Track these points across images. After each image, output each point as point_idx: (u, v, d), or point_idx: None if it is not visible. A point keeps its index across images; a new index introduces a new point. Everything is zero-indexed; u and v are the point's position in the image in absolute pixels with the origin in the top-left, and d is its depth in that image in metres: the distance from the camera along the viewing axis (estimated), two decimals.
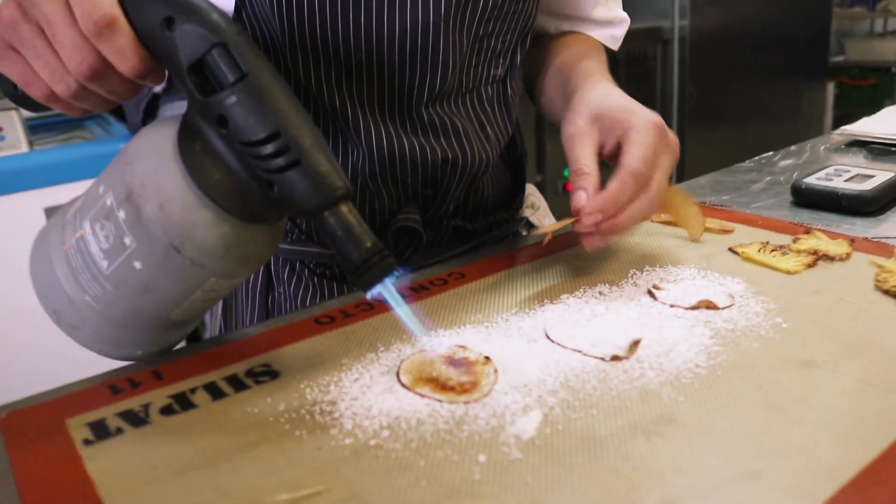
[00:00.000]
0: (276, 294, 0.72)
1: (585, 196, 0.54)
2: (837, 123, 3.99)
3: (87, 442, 0.41)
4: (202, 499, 0.36)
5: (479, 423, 0.39)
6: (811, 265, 0.58)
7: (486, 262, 0.62)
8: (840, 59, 4.75)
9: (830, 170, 0.77)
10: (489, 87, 0.71)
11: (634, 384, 0.42)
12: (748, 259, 0.60)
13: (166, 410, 0.44)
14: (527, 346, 0.47)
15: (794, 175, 0.83)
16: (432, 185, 0.69)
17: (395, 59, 0.62)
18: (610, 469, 0.36)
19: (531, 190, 0.85)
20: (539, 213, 0.84)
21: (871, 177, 0.74)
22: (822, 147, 0.98)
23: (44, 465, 0.39)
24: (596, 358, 0.45)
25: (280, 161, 0.39)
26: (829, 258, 0.59)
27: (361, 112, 0.63)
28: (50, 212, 1.54)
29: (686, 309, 0.51)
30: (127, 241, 0.42)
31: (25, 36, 0.41)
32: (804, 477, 0.34)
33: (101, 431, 0.42)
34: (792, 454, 0.36)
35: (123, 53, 0.40)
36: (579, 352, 0.46)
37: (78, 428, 0.43)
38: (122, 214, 0.42)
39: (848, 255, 0.60)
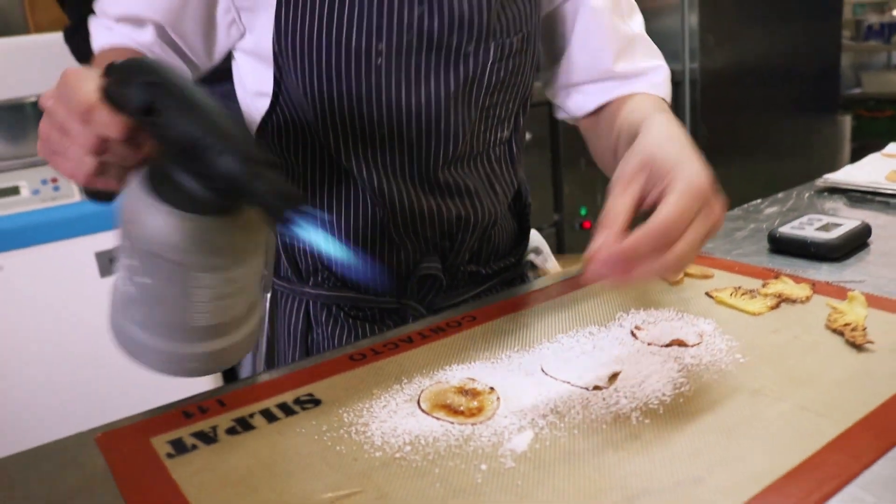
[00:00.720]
0: (315, 334, 0.82)
1: (602, 239, 0.52)
2: (856, 155, 4.04)
3: (169, 455, 0.52)
4: (265, 498, 0.46)
5: (483, 440, 0.49)
6: (775, 307, 0.68)
7: (494, 306, 0.72)
8: (857, 91, 4.83)
9: (804, 219, 0.86)
10: (497, 149, 0.82)
11: (610, 409, 0.52)
12: (721, 302, 0.69)
13: (231, 431, 0.54)
14: (525, 379, 0.57)
15: (776, 222, 0.92)
16: (449, 238, 0.79)
17: (413, 131, 0.73)
18: (584, 475, 0.45)
19: (535, 236, 0.95)
20: (542, 257, 0.94)
21: (840, 225, 0.83)
22: (807, 194, 1.07)
23: (138, 474, 0.50)
24: (581, 388, 0.55)
25: (199, 163, 0.47)
26: (791, 301, 0.69)
27: (385, 178, 0.74)
28: (100, 256, 1.67)
29: (661, 346, 0.61)
30: (134, 262, 0.52)
31: (55, 140, 0.52)
32: (736, 481, 0.44)
33: (179, 447, 0.53)
34: (729, 464, 0.45)
35: (107, 125, 0.48)
36: (568, 383, 0.56)
37: (161, 445, 0.53)
38: (125, 243, 0.52)
39: (808, 298, 0.69)
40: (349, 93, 0.71)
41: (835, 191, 1.07)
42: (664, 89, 0.83)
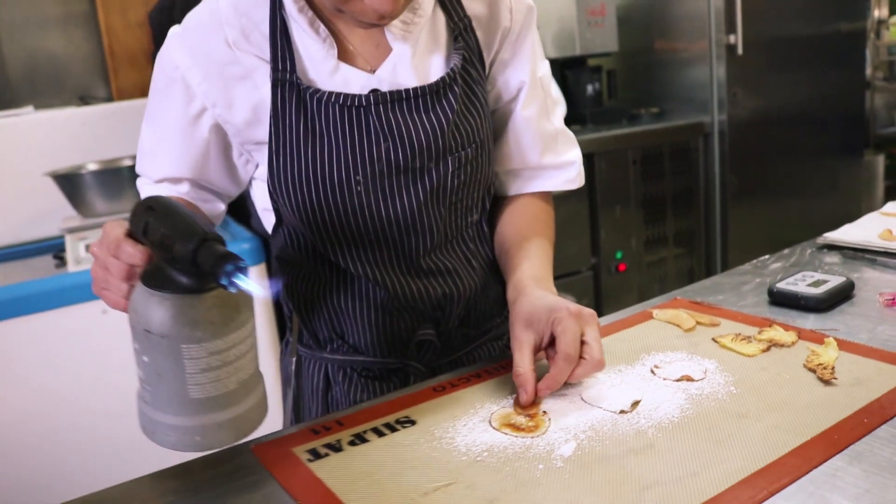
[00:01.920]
0: (334, 391, 1.00)
1: (526, 396, 0.76)
2: (890, 193, 4.14)
3: (309, 460, 0.71)
4: (384, 487, 0.65)
5: (539, 448, 0.68)
6: (766, 350, 0.85)
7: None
8: (892, 130, 4.94)
9: (799, 275, 1.04)
10: (469, 230, 0.98)
11: (632, 427, 0.71)
12: (723, 346, 0.87)
13: (351, 443, 0.74)
14: (570, 405, 0.76)
15: (778, 276, 1.10)
16: (440, 309, 0.96)
17: (395, 233, 0.90)
18: (613, 471, 0.64)
19: None
20: None
21: (827, 282, 1.00)
22: (809, 251, 1.24)
23: (291, 472, 0.70)
24: (611, 412, 0.74)
25: (169, 251, 0.60)
26: (780, 345, 0.87)
27: (380, 271, 0.91)
28: None
29: (673, 381, 0.79)
30: (136, 345, 0.64)
31: (100, 277, 0.67)
32: (720, 476, 0.62)
33: (315, 454, 0.72)
34: (717, 464, 0.64)
35: (131, 254, 0.63)
36: (601, 408, 0.75)
37: (302, 453, 0.73)
38: (132, 333, 0.64)
39: (794, 343, 0.87)
40: (336, 214, 0.88)
41: (833, 247, 1.24)
42: (577, 181, 1.03)
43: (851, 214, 1.30)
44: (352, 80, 0.86)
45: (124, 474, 0.75)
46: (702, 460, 0.65)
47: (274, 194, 0.88)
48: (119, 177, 2.05)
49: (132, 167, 2.07)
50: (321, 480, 0.68)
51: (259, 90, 0.86)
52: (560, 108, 1.03)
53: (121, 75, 2.99)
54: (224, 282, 0.58)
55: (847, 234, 1.25)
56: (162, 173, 0.94)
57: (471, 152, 0.92)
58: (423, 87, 0.87)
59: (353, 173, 0.86)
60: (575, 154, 1.03)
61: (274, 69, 0.85)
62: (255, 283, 0.59)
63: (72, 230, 1.96)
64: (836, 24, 3.22)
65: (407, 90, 0.86)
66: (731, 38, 2.81)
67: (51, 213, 2.30)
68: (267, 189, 0.89)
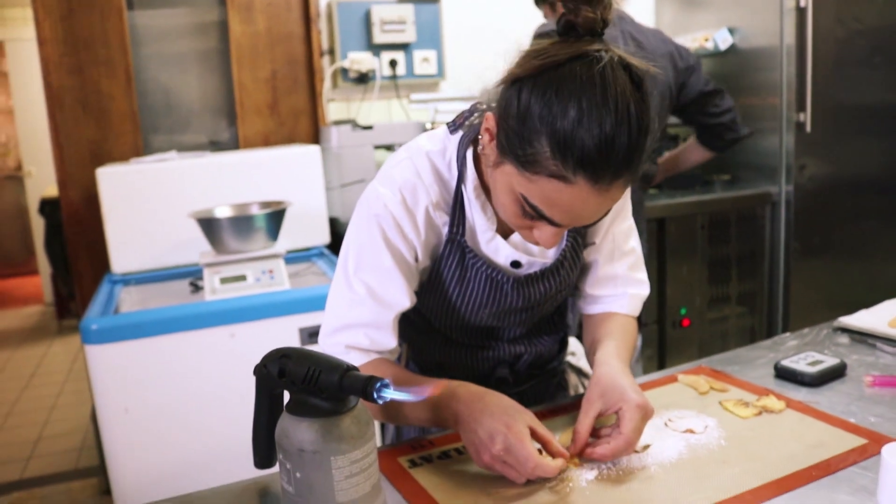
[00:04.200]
0: None
1: (574, 450, 0.98)
2: None
3: (409, 467, 1.02)
4: (472, 489, 0.95)
5: (572, 472, 0.97)
6: (758, 414, 1.11)
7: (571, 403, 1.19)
8: None
9: (802, 355, 1.28)
10: (551, 317, 1.30)
11: (641, 463, 0.98)
12: (725, 409, 1.13)
13: (440, 457, 1.04)
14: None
15: (791, 353, 1.34)
16: (516, 358, 1.27)
17: (497, 329, 1.22)
18: (622, 493, 0.92)
19: (573, 341, 1.42)
20: (576, 357, 1.42)
21: (823, 362, 1.25)
22: (825, 332, 1.47)
23: (398, 476, 1.00)
24: None
25: (313, 385, 0.76)
26: (770, 411, 1.12)
27: (478, 341, 1.24)
28: (302, 330, 2.24)
29: (680, 432, 1.06)
30: (288, 465, 0.79)
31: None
32: (697, 502, 0.89)
33: (413, 463, 1.03)
34: (696, 493, 0.90)
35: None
36: None
37: (404, 461, 1.03)
38: (281, 457, 0.79)
39: (781, 410, 1.12)
40: (459, 325, 1.20)
41: (846, 330, 1.47)
42: (627, 309, 1.24)
43: None
44: (500, 250, 1.15)
45: (237, 478, 1.02)
46: (685, 490, 0.92)
47: (419, 304, 1.18)
48: (249, 222, 2.43)
49: (262, 215, 2.45)
50: (418, 482, 0.98)
51: (439, 238, 1.15)
52: (629, 258, 1.24)
53: (246, 123, 3.41)
54: (376, 398, 0.75)
55: (859, 319, 1.47)
56: (400, 304, 1.11)
57: (566, 292, 1.24)
58: (545, 268, 1.16)
59: (483, 309, 1.18)
60: (628, 290, 1.25)
61: (450, 230, 1.13)
62: (400, 392, 0.77)
63: (209, 265, 2.34)
64: None
65: (537, 272, 1.16)
66: (801, 117, 2.99)
67: (186, 244, 2.71)
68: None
